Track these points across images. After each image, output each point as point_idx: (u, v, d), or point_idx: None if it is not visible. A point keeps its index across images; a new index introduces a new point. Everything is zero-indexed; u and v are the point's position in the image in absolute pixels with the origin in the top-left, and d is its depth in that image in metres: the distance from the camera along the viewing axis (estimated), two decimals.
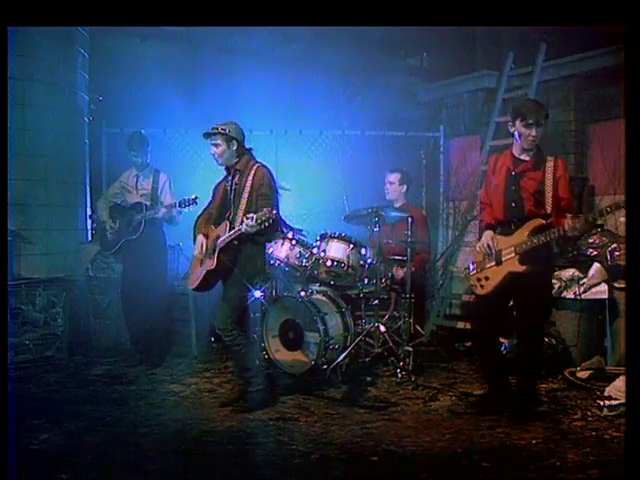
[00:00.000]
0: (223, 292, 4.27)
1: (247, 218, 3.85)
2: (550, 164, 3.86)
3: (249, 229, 3.87)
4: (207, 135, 4.21)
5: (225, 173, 4.33)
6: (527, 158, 3.92)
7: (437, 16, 3.93)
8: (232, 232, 4.03)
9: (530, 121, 3.81)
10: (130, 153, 5.37)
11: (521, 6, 3.82)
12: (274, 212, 3.87)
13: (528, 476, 3.06)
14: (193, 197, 4.88)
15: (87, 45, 6.22)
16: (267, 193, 4.11)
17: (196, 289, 4.33)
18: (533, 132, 3.83)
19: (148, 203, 5.28)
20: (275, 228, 4.30)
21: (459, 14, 3.92)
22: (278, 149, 6.65)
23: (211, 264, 4.10)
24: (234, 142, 4.18)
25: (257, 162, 4.25)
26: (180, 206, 4.99)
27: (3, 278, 3.69)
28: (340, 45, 7.37)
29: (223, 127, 4.17)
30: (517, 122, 3.87)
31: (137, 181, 5.43)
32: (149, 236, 5.24)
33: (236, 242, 4.09)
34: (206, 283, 4.24)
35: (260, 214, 3.83)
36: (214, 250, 4.11)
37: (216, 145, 4.18)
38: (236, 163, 4.23)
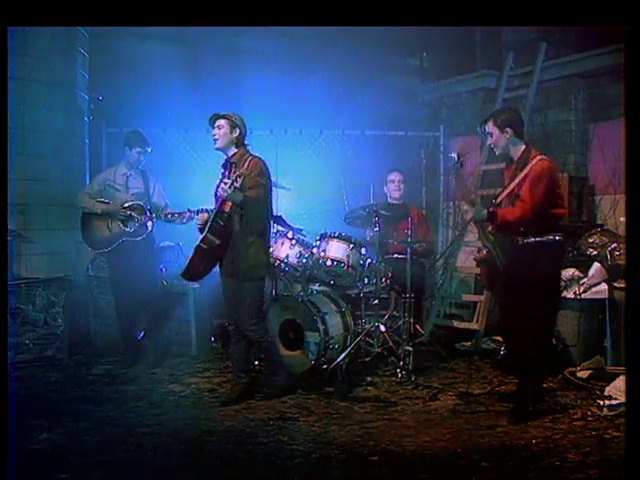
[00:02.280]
0: (238, 292, 4.26)
1: (223, 183, 3.96)
2: (530, 164, 3.89)
3: (223, 193, 3.97)
4: (213, 118, 4.26)
5: (222, 170, 4.36)
6: (515, 159, 4.03)
7: (437, 16, 3.93)
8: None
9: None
10: (133, 149, 5.22)
11: (521, 6, 3.83)
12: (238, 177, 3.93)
13: (528, 476, 3.06)
14: (203, 208, 4.67)
15: (87, 45, 6.22)
16: (256, 178, 4.15)
17: (184, 273, 4.28)
18: (488, 140, 4.09)
19: (148, 205, 5.20)
20: (262, 213, 4.27)
21: (459, 14, 3.93)
22: (278, 149, 6.64)
23: (200, 241, 4.13)
24: (237, 129, 4.24)
25: (252, 154, 4.29)
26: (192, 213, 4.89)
27: (3, 278, 3.70)
28: (340, 45, 7.37)
29: (229, 114, 4.26)
30: None
31: (127, 180, 5.28)
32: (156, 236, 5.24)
33: (222, 222, 4.13)
34: (194, 264, 4.20)
35: (232, 177, 3.93)
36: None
37: (219, 127, 4.24)
38: (232, 155, 4.27)
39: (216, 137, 4.25)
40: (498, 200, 4.00)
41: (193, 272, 4.28)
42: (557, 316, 4.46)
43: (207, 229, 4.14)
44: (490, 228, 3.99)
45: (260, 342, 4.35)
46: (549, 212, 3.88)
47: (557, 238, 3.90)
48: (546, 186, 3.82)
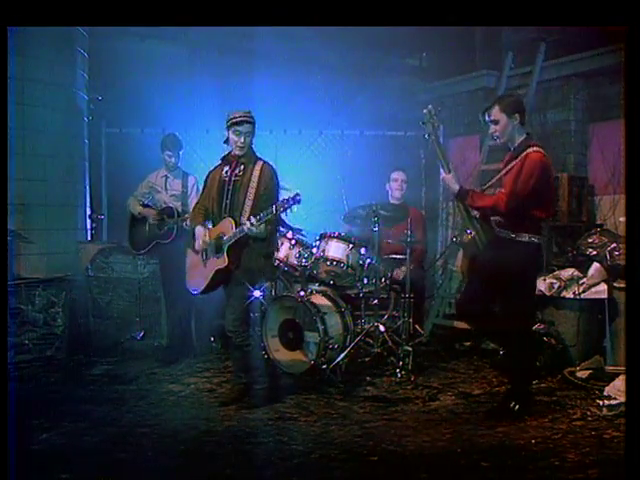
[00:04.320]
0: (228, 292, 4.23)
1: (253, 217, 3.89)
2: (523, 154, 3.72)
3: (254, 229, 3.91)
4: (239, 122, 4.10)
5: (220, 162, 4.30)
6: (513, 148, 3.90)
7: (437, 16, 3.93)
8: (237, 232, 4.00)
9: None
10: (164, 153, 5.43)
11: (521, 6, 3.83)
12: (277, 210, 3.84)
13: (528, 476, 3.07)
14: None
15: (87, 45, 6.22)
16: (275, 193, 4.12)
17: (204, 292, 4.29)
18: (491, 129, 3.87)
19: (180, 209, 5.31)
20: (277, 228, 4.30)
21: (459, 14, 3.93)
22: (278, 149, 6.65)
23: (222, 263, 4.05)
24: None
25: (260, 158, 4.22)
26: None
27: (3, 278, 3.69)
28: (340, 45, 7.37)
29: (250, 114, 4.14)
30: None
31: (166, 182, 5.48)
32: (183, 239, 5.26)
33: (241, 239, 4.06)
34: (214, 283, 4.19)
35: (265, 215, 3.86)
36: (221, 248, 4.08)
37: (246, 134, 4.10)
38: (242, 155, 4.17)
39: (241, 145, 4.11)
40: (486, 186, 3.97)
41: (212, 288, 4.26)
42: (534, 316, 4.47)
43: (227, 248, 4.05)
44: (475, 213, 3.84)
45: (240, 346, 4.20)
46: (529, 211, 3.74)
47: (534, 240, 3.76)
48: (535, 181, 3.65)
